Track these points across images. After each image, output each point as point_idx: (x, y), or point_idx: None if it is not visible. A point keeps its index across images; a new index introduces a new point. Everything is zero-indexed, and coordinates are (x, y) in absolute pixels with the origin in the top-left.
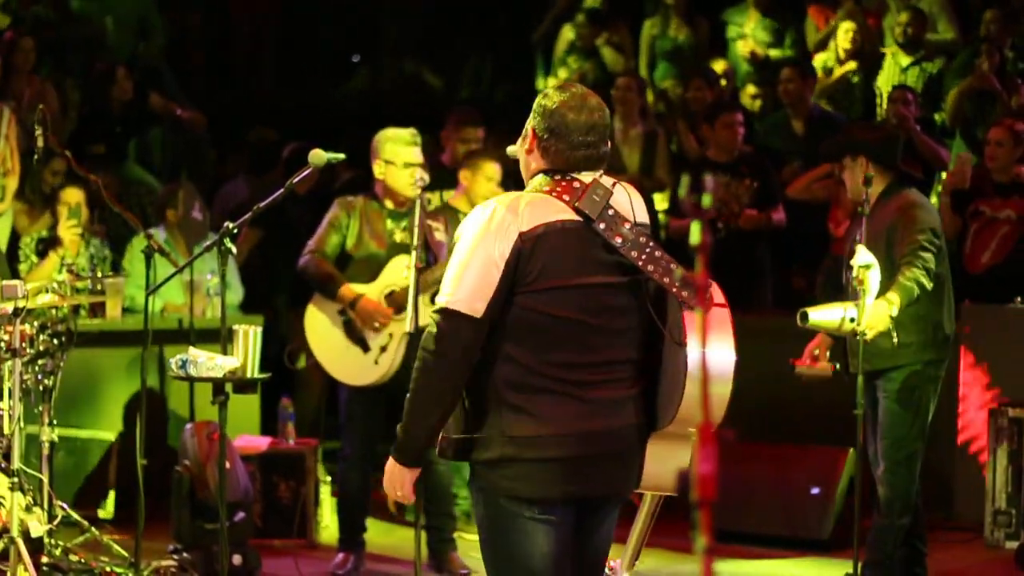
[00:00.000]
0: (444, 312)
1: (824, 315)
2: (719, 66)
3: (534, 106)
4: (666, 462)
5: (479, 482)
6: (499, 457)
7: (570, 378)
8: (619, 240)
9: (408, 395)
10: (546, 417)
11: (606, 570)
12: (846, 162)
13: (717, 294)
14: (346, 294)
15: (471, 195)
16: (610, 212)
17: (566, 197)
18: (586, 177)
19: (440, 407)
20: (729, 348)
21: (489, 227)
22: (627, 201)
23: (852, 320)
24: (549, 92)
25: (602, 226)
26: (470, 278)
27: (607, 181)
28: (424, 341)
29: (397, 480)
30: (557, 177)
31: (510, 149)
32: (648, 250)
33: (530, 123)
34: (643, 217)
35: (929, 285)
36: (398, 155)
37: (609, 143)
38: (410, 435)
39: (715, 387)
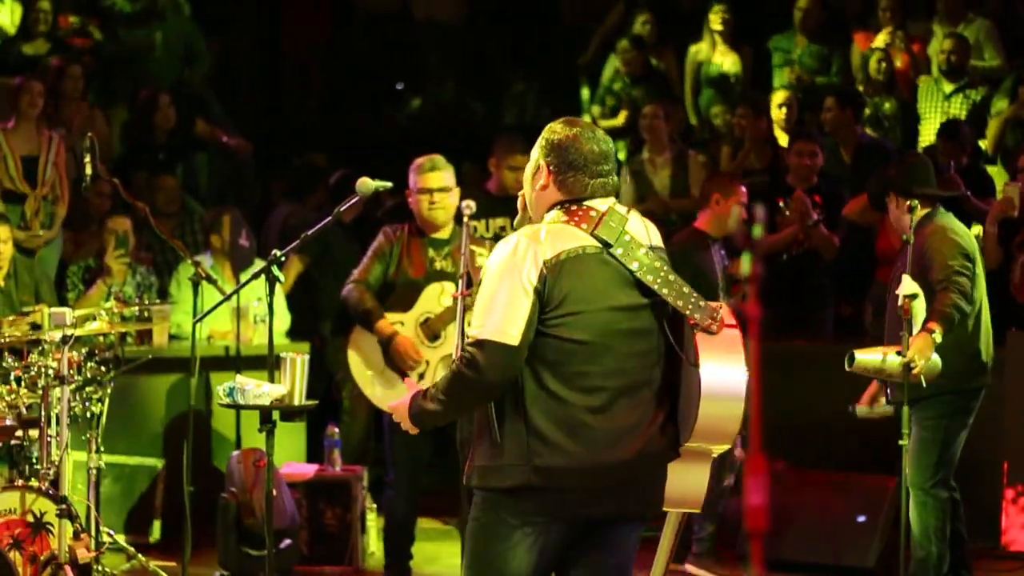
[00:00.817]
0: (479, 344)
1: (869, 357)
2: (780, 96)
3: (540, 143)
4: (685, 480)
5: (487, 496)
6: (522, 485)
7: (596, 404)
8: (636, 265)
9: (442, 396)
10: (572, 449)
11: None
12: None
13: (728, 316)
14: (383, 330)
15: None
16: (626, 238)
17: (584, 225)
18: (600, 204)
19: (463, 415)
20: (740, 368)
21: (515, 257)
22: (642, 227)
23: (897, 355)
24: (555, 128)
25: (619, 251)
26: (500, 307)
27: (621, 208)
28: (460, 368)
29: (402, 419)
30: (573, 207)
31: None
32: (663, 274)
33: (540, 160)
34: (658, 241)
35: (968, 309)
36: (416, 182)
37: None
38: (429, 420)
39: (727, 406)
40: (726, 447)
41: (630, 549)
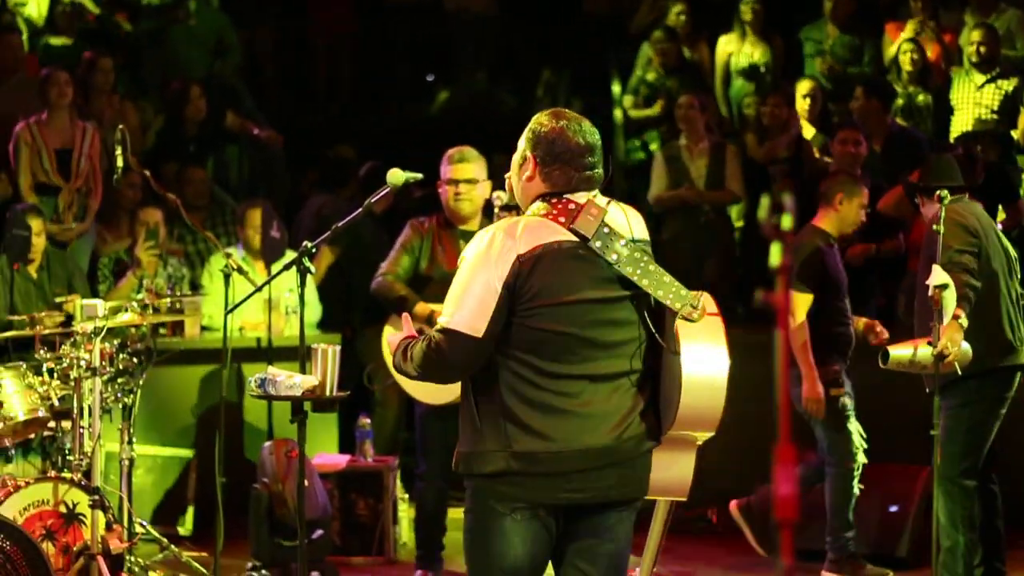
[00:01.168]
0: (445, 332)
1: (901, 352)
2: (805, 86)
3: (527, 135)
4: (671, 468)
5: (473, 484)
6: (502, 470)
7: (571, 391)
8: (614, 257)
9: (414, 365)
10: (548, 434)
11: None
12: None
13: (710, 303)
14: (421, 311)
15: None
16: (605, 230)
17: (562, 219)
18: (581, 198)
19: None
20: (722, 355)
21: (490, 252)
22: (623, 219)
23: (928, 346)
24: (542, 120)
25: (598, 244)
26: (471, 300)
27: (601, 200)
28: (428, 348)
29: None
30: (554, 200)
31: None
32: (643, 265)
33: (526, 151)
34: (641, 233)
35: (977, 284)
36: (444, 172)
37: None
38: (402, 373)
39: (709, 393)
40: (710, 434)
41: (623, 536)
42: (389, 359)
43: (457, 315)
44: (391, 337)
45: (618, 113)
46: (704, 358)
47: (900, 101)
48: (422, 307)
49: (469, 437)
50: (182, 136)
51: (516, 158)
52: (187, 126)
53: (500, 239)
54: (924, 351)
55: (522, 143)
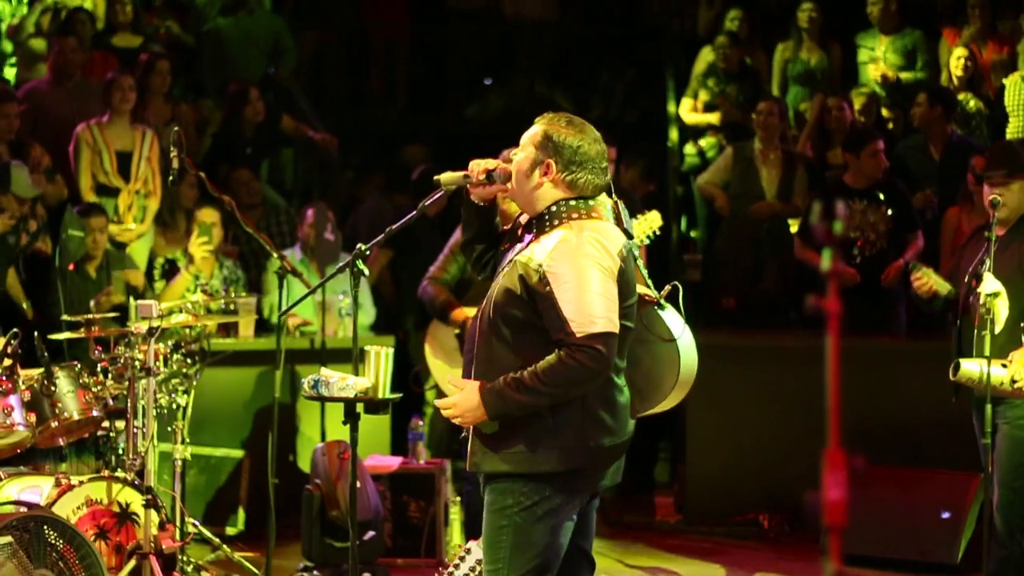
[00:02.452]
0: (601, 338)
1: (972, 367)
2: (859, 99)
3: (542, 139)
4: None
5: (526, 481)
6: (577, 467)
7: (623, 384)
8: (636, 253)
9: (545, 386)
10: (612, 427)
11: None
12: (1012, 184)
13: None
14: (457, 317)
15: None
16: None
17: (613, 221)
18: (607, 201)
19: (567, 392)
20: (681, 323)
21: (592, 250)
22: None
23: (1002, 368)
24: (559, 125)
25: (632, 244)
26: (602, 300)
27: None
28: (587, 358)
29: (470, 412)
30: (591, 204)
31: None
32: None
33: (542, 156)
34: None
35: None
36: None
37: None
38: (517, 410)
39: (693, 365)
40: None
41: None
42: (431, 362)
43: (599, 317)
44: (445, 401)
45: (672, 111)
46: (685, 337)
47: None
48: (459, 312)
49: (531, 435)
50: (239, 138)
51: (525, 159)
52: (245, 127)
53: (592, 239)
54: (998, 373)
55: (533, 146)
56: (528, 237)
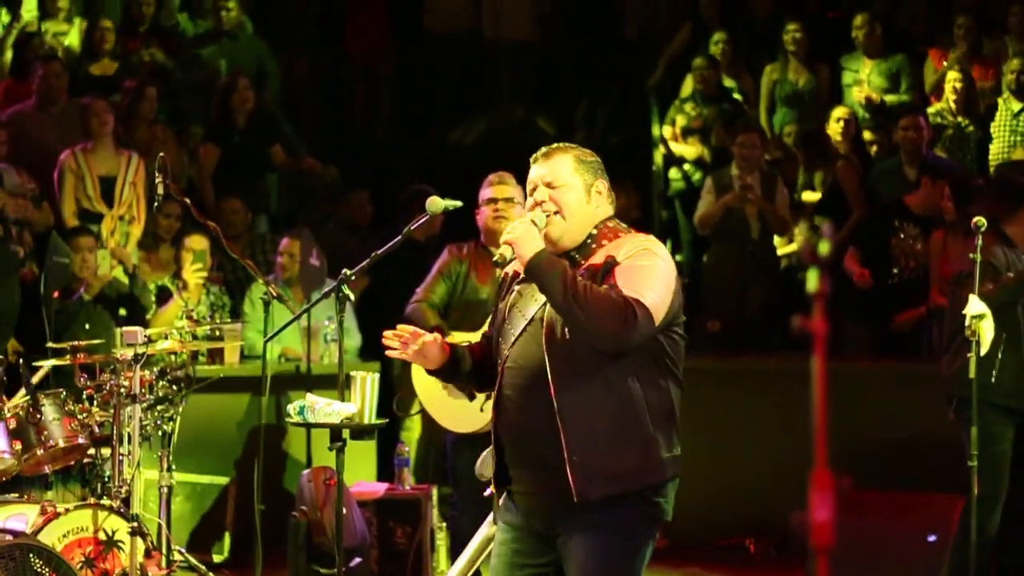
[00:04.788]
0: (643, 306)
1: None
2: (840, 111)
3: (577, 164)
4: None
5: (634, 500)
6: (675, 475)
7: None
8: None
9: (582, 298)
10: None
11: None
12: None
13: None
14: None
15: None
16: None
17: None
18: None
19: (568, 311)
20: None
21: (670, 262)
22: None
23: None
24: (575, 148)
25: None
26: (664, 290)
27: None
28: (622, 300)
29: (525, 242)
30: (620, 221)
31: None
32: None
33: (590, 179)
34: None
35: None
36: (483, 194)
37: None
38: (548, 282)
39: None
40: None
41: None
42: (419, 387)
43: (655, 297)
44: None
45: (656, 142)
46: None
47: (949, 131)
48: (449, 337)
49: (635, 449)
50: (231, 128)
51: (572, 193)
52: (236, 116)
53: (667, 253)
54: None
55: (575, 177)
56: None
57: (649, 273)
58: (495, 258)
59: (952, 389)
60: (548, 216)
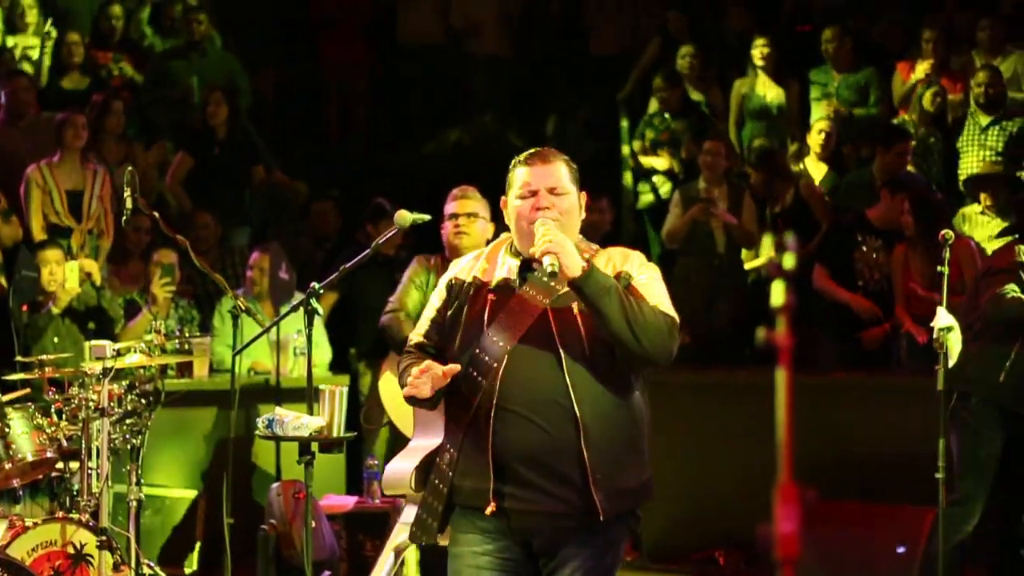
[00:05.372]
0: (679, 325)
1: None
2: (820, 122)
3: (573, 173)
4: None
5: (627, 524)
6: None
7: None
8: None
9: (632, 310)
10: None
11: None
12: None
13: None
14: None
15: None
16: None
17: None
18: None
19: (626, 330)
20: None
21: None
22: None
23: None
24: (564, 156)
25: None
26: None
27: None
28: (667, 317)
29: (571, 254)
30: None
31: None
32: None
33: (577, 190)
34: None
35: None
36: (446, 209)
37: None
38: (596, 292)
39: None
40: None
41: None
42: (385, 399)
43: (677, 316)
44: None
45: (626, 154)
46: None
47: (912, 143)
48: None
49: (635, 464)
50: (210, 141)
51: (573, 201)
52: (216, 130)
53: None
54: None
55: (572, 185)
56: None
57: (664, 289)
58: (549, 268)
59: (953, 383)
60: (557, 223)
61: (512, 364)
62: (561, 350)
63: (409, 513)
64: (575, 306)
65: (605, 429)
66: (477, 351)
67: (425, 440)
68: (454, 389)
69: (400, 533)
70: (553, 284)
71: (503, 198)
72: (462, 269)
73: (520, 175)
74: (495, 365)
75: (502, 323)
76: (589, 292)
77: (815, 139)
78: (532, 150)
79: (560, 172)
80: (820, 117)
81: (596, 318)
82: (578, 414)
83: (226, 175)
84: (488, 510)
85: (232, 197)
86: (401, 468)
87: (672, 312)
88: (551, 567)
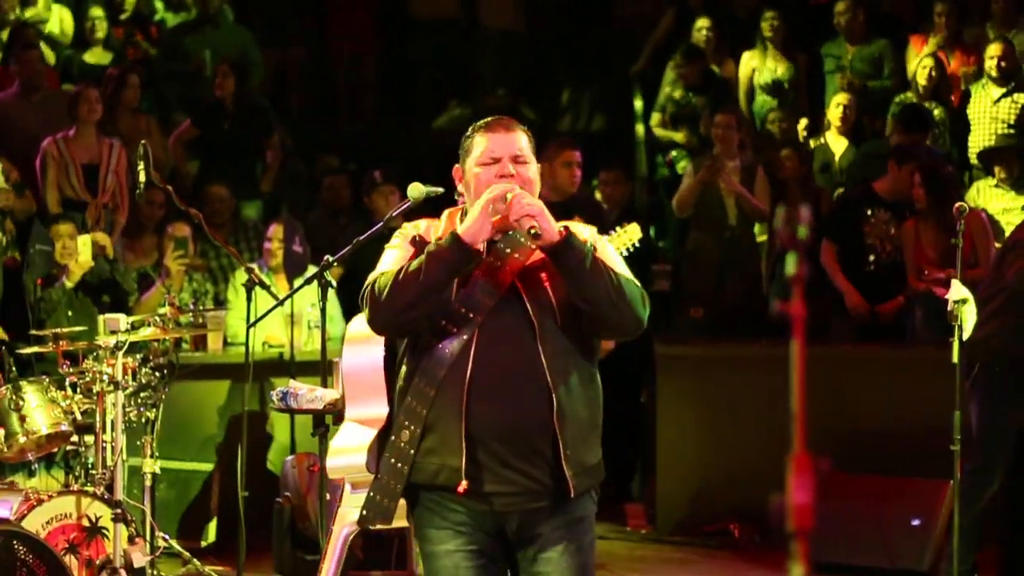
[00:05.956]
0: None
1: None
2: (840, 96)
3: (533, 145)
4: None
5: (593, 502)
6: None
7: None
8: None
9: (616, 282)
10: None
11: None
12: None
13: None
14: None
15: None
16: None
17: None
18: None
19: (605, 298)
20: None
21: None
22: None
23: None
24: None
25: None
26: None
27: None
28: (643, 296)
29: (549, 218)
30: None
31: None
32: None
33: (536, 162)
34: None
35: None
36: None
37: None
38: (583, 266)
39: None
40: None
41: None
42: None
43: None
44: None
45: (640, 129)
46: None
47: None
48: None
49: (594, 440)
50: (220, 113)
51: (535, 171)
52: (225, 102)
53: None
54: None
55: (532, 155)
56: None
57: (623, 261)
58: (531, 230)
59: (975, 354)
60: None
61: (484, 336)
62: (535, 321)
63: (352, 498)
64: (543, 275)
65: (574, 405)
66: (457, 305)
67: (358, 410)
68: (416, 362)
69: (346, 518)
70: (530, 245)
71: (456, 166)
72: (425, 231)
73: (480, 142)
74: (464, 338)
75: (480, 279)
76: (569, 258)
77: (834, 113)
78: (490, 118)
79: (522, 141)
80: (838, 91)
81: (572, 285)
82: (551, 388)
83: (236, 148)
84: (460, 488)
85: (243, 170)
86: (349, 451)
87: (638, 283)
88: (532, 552)
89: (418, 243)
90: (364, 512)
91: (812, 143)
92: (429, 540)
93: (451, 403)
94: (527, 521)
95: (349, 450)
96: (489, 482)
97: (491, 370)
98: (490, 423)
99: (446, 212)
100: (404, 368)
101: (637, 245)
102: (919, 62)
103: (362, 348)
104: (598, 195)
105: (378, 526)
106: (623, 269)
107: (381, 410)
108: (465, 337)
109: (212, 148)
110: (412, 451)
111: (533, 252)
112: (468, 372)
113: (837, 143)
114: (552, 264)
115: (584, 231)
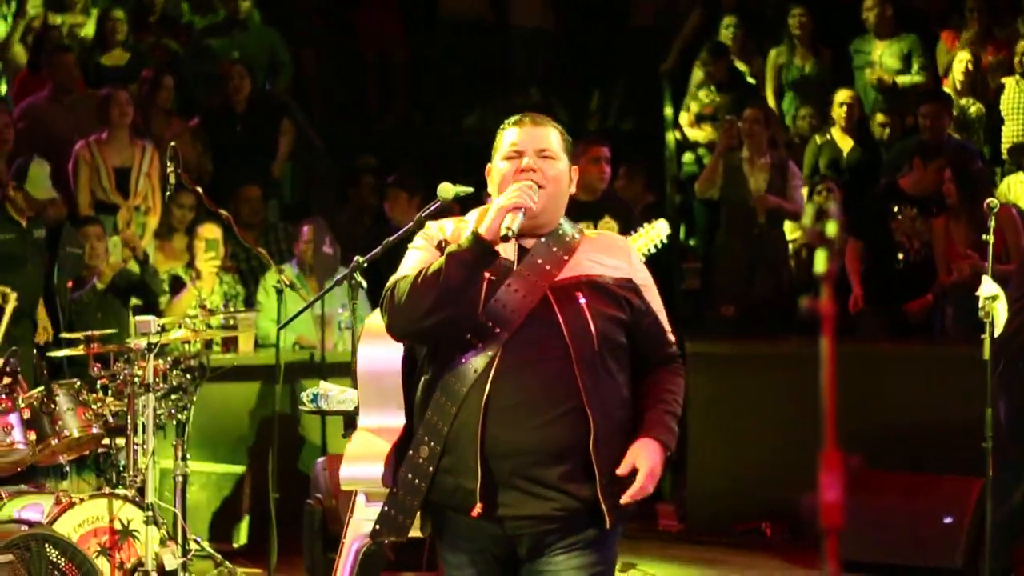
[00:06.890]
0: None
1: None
2: (843, 94)
3: (569, 143)
4: None
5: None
6: None
7: None
8: None
9: (678, 407)
10: None
11: None
12: None
13: None
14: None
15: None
16: None
17: None
18: None
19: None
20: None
21: None
22: None
23: None
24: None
25: None
26: None
27: None
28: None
29: (659, 469)
30: None
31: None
32: None
33: (569, 163)
34: None
35: None
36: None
37: None
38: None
39: None
40: None
41: None
42: None
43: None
44: (650, 471)
45: (669, 127)
46: None
47: (955, 112)
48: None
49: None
50: (231, 115)
51: (563, 173)
52: (235, 104)
53: None
54: None
55: (568, 155)
56: (543, 257)
57: (656, 292)
58: (505, 230)
59: (1003, 351)
60: (541, 189)
61: (508, 353)
62: (568, 341)
63: (366, 510)
64: (579, 294)
65: (608, 425)
66: (484, 317)
67: (372, 419)
68: (439, 374)
69: (359, 530)
70: (562, 256)
71: (488, 165)
72: (452, 233)
73: (508, 136)
74: (498, 331)
75: (508, 291)
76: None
77: (838, 112)
78: (522, 114)
79: (551, 136)
80: (844, 89)
81: None
82: (588, 412)
83: (250, 149)
84: (474, 512)
85: (258, 171)
86: (365, 463)
87: (668, 328)
88: (539, 565)
89: (443, 247)
90: (378, 526)
91: (819, 139)
92: (447, 563)
93: (469, 423)
94: (538, 542)
95: (365, 458)
96: (503, 506)
97: (512, 391)
98: (508, 446)
99: (473, 211)
100: (425, 378)
101: (665, 242)
102: (954, 57)
103: (379, 347)
104: None
105: (389, 540)
106: (661, 310)
107: (397, 421)
108: (490, 353)
109: (226, 150)
110: (431, 468)
111: (565, 263)
112: (486, 392)
113: (843, 142)
114: (591, 298)
115: (637, 275)
